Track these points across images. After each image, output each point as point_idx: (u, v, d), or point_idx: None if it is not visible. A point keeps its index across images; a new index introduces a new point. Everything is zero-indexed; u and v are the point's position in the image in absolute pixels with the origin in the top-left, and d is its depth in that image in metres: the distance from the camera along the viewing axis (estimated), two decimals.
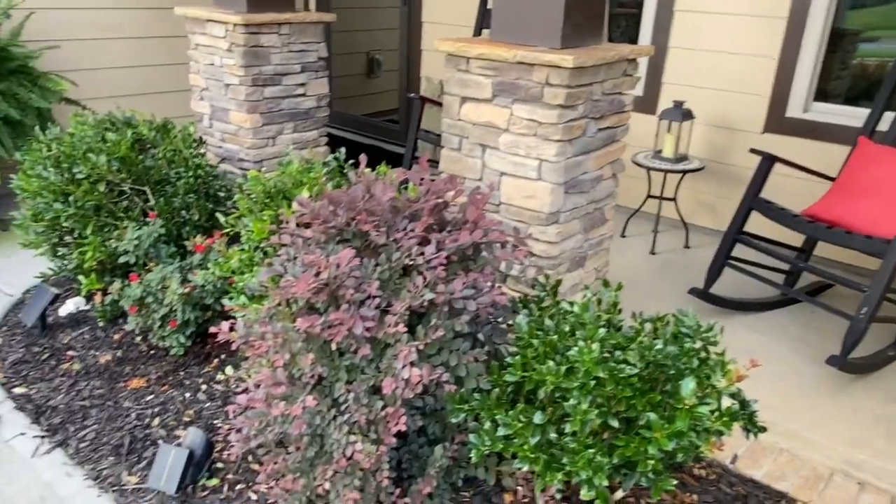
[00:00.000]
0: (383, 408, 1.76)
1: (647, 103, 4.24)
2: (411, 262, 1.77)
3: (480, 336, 1.91)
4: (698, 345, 1.75)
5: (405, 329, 1.68)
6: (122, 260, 2.85)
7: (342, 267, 1.70)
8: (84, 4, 4.65)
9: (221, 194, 3.38)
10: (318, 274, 1.75)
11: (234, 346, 1.93)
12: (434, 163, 4.83)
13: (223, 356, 2.87)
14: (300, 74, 3.90)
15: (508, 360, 1.71)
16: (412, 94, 4.14)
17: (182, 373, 2.77)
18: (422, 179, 2.06)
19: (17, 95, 3.87)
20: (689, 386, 1.55)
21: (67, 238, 3.11)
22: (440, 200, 1.92)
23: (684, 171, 3.89)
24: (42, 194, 2.95)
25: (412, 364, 1.67)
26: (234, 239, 2.81)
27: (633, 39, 4.43)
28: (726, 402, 1.69)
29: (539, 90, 2.48)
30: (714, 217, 4.24)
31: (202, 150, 3.35)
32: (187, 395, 2.63)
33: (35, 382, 2.72)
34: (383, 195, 1.94)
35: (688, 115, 3.84)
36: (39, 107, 3.96)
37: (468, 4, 5.04)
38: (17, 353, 2.91)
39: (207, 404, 2.58)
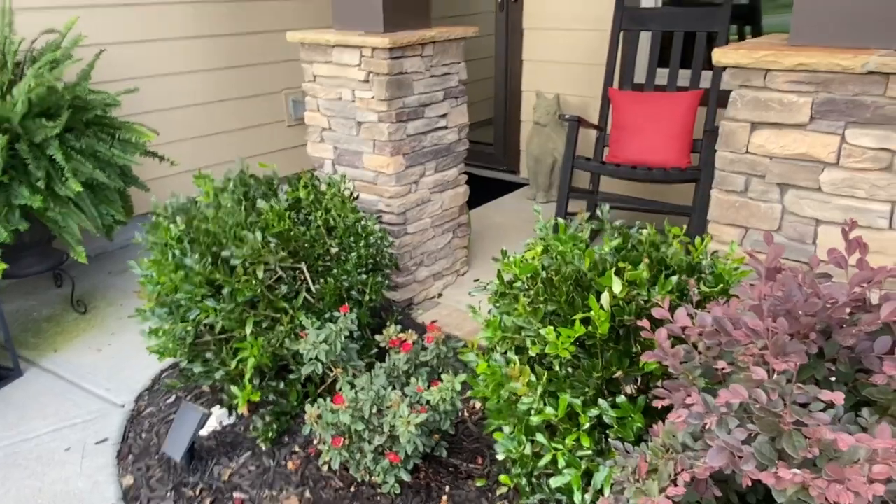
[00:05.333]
0: None
1: None
2: None
3: None
4: None
5: None
6: (305, 371, 2.14)
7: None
8: (158, 35, 3.94)
9: (381, 261, 2.68)
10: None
11: None
12: (581, 193, 3.78)
13: (448, 488, 2.16)
14: (443, 103, 3.20)
15: None
16: (568, 116, 3.44)
17: None
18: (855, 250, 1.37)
19: (98, 153, 3.15)
20: None
21: (207, 337, 2.41)
22: None
23: None
24: (184, 289, 2.24)
25: None
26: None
27: None
28: None
29: None
30: None
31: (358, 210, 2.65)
32: None
33: None
34: (840, 296, 1.25)
35: None
36: (122, 164, 3.24)
37: (582, 5, 4.38)
38: (165, 503, 2.20)
39: None
